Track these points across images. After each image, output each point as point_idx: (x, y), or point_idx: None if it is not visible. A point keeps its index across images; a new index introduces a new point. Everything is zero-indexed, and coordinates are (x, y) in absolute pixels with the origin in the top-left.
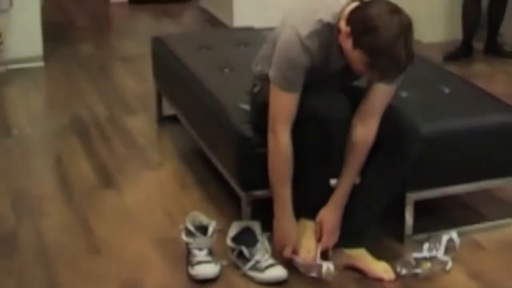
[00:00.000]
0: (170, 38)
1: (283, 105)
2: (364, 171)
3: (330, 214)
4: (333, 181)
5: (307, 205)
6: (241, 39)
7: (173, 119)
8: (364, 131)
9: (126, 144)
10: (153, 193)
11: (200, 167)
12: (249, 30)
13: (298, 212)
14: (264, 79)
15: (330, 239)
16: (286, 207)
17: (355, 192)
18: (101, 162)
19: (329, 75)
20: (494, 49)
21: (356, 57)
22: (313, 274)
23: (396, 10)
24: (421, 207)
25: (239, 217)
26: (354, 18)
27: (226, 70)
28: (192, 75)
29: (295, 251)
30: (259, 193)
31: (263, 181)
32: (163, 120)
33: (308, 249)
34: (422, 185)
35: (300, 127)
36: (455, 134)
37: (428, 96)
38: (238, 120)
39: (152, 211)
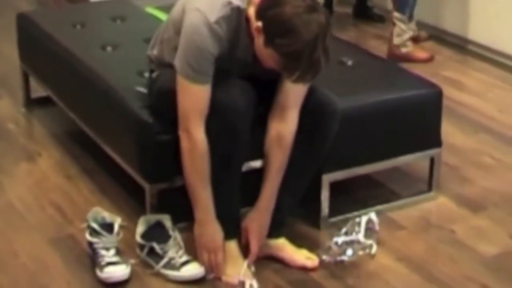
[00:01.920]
0: (38, 15)
1: (194, 99)
2: None
3: (255, 219)
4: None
5: (223, 221)
6: (116, 14)
7: (42, 101)
8: (284, 126)
9: None
10: (36, 186)
11: (84, 155)
12: (122, 3)
13: None
14: (162, 65)
15: (256, 246)
16: (209, 210)
17: None
18: None
19: (234, 65)
20: (363, 13)
21: (268, 55)
22: None
23: (313, 7)
24: (332, 189)
25: (139, 209)
26: (267, 14)
27: (109, 49)
28: (72, 54)
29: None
30: (164, 184)
31: (168, 170)
32: (31, 102)
33: (228, 276)
34: (336, 166)
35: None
36: (365, 110)
37: (331, 70)
38: (136, 105)
39: (40, 207)
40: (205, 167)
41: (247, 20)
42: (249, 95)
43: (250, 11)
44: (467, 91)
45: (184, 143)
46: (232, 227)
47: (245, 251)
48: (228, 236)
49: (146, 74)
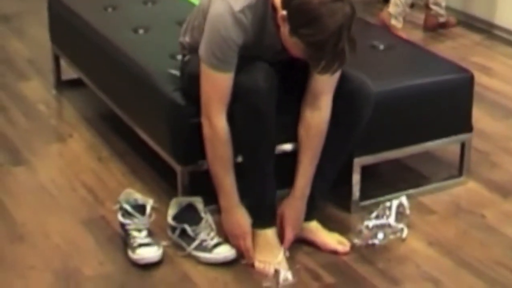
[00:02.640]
0: None
1: (216, 87)
2: None
3: (291, 207)
4: None
5: (254, 212)
6: None
7: (73, 83)
8: (318, 114)
9: (26, 114)
10: (67, 168)
11: (115, 137)
12: None
13: None
14: (194, 51)
15: (292, 233)
16: (232, 196)
17: None
18: (2, 136)
19: (264, 53)
20: None
21: (293, 44)
22: (268, 284)
23: None
24: (363, 173)
25: (171, 191)
26: (292, 3)
27: (141, 31)
28: (103, 37)
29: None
30: (196, 166)
31: (200, 153)
32: (62, 85)
33: (263, 263)
34: (368, 150)
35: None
36: (396, 95)
37: (363, 54)
38: (168, 88)
39: (72, 189)
40: (227, 154)
41: (274, 8)
42: (272, 77)
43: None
44: (496, 76)
45: (206, 130)
46: (268, 215)
47: (281, 238)
48: (264, 224)
49: (179, 57)
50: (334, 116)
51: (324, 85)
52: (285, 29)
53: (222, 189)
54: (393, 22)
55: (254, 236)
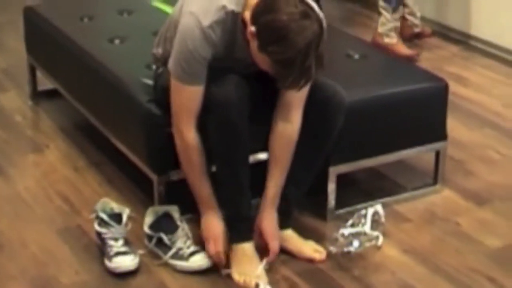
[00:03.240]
0: (45, 8)
1: (185, 99)
2: None
3: (267, 219)
4: None
5: (231, 227)
6: (123, 7)
7: (49, 94)
8: (289, 126)
9: (2, 125)
10: (44, 178)
11: (91, 147)
12: None
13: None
14: (167, 63)
15: (276, 245)
16: (210, 203)
17: None
18: None
19: (235, 65)
20: None
21: (262, 59)
22: None
23: (306, 14)
24: (339, 181)
25: (147, 201)
26: (261, 20)
27: (117, 41)
28: (79, 47)
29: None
30: (172, 174)
31: (176, 162)
32: (38, 95)
33: (243, 275)
34: (343, 159)
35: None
36: (371, 104)
37: (338, 63)
38: (144, 97)
39: (48, 198)
40: (199, 163)
41: (243, 22)
42: (243, 89)
43: (246, 14)
44: (472, 86)
45: (177, 141)
46: (244, 228)
47: (262, 252)
48: (241, 238)
49: (154, 67)
50: (307, 125)
51: (295, 99)
52: (254, 45)
53: (198, 195)
54: (387, 40)
55: (232, 251)
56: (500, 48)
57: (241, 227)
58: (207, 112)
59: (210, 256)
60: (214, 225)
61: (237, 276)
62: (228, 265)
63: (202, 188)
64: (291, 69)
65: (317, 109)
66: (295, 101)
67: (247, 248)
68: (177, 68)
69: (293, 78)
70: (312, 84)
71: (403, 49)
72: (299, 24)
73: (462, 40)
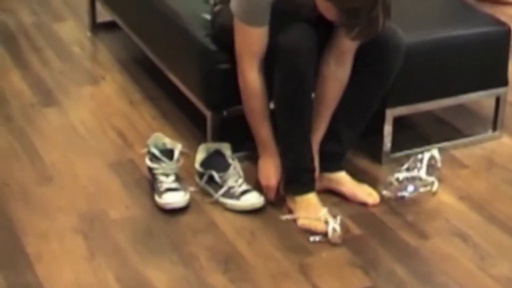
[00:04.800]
0: None
1: (248, 41)
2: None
3: None
4: None
5: (295, 179)
6: None
7: (108, 26)
8: (341, 70)
9: (60, 55)
10: (98, 110)
11: (147, 81)
12: None
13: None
14: (225, 0)
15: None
16: (268, 146)
17: (335, 112)
18: (36, 76)
19: (298, 8)
20: None
21: (327, 7)
22: (316, 238)
23: None
24: (395, 124)
25: (201, 137)
26: None
27: None
28: None
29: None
30: (226, 112)
31: (230, 99)
32: (97, 27)
33: (307, 219)
34: (400, 101)
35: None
36: (431, 46)
37: (398, 3)
38: (200, 32)
39: (101, 131)
40: (259, 106)
41: None
42: (312, 37)
43: None
44: None
45: (240, 82)
46: (308, 179)
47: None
48: (305, 189)
49: (211, 1)
50: (365, 66)
51: (351, 44)
52: None
53: (257, 138)
54: None
55: (296, 202)
56: None
57: (304, 178)
58: (275, 61)
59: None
60: (270, 173)
61: (305, 222)
62: (284, 210)
63: (262, 131)
64: (358, 18)
65: (375, 51)
66: (351, 46)
67: (311, 197)
68: (239, 9)
69: (360, 28)
70: None
71: None
72: None
73: None
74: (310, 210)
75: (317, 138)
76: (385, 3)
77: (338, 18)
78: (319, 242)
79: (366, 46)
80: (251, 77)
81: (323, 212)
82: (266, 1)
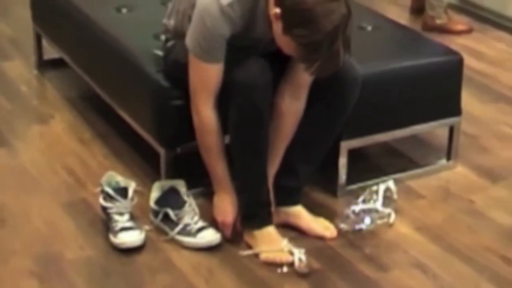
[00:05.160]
0: None
1: (204, 77)
2: (300, 122)
3: None
4: None
5: (253, 214)
6: None
7: (55, 63)
8: (295, 104)
9: (8, 95)
10: (49, 149)
11: (97, 118)
12: None
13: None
14: (179, 35)
15: None
16: (223, 183)
17: (291, 146)
18: None
19: (256, 43)
20: None
21: (286, 42)
22: (284, 269)
23: None
24: (350, 156)
25: (154, 174)
26: (287, 2)
27: (124, 10)
28: (87, 16)
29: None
30: (180, 149)
31: (184, 135)
32: (44, 64)
33: (271, 252)
34: (354, 133)
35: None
36: (385, 77)
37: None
38: (153, 69)
39: (53, 171)
40: (214, 143)
41: (267, 2)
42: (268, 72)
43: None
44: (485, 60)
45: (195, 119)
46: (266, 213)
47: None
48: (264, 223)
49: (162, 37)
50: (322, 100)
51: (307, 78)
52: (277, 27)
53: (212, 175)
54: (438, 22)
55: (254, 237)
56: (511, 20)
57: (262, 212)
58: (230, 97)
59: (226, 236)
60: (227, 209)
61: (270, 255)
62: (243, 246)
63: (217, 168)
64: (318, 53)
65: (332, 84)
66: (307, 79)
67: (271, 230)
68: (196, 46)
69: (320, 63)
70: None
71: (458, 26)
72: (327, 6)
73: (475, 12)
74: (272, 243)
75: (272, 171)
76: (345, 36)
77: (298, 53)
78: (286, 273)
79: (323, 80)
80: (206, 114)
81: (285, 243)
82: (222, 37)
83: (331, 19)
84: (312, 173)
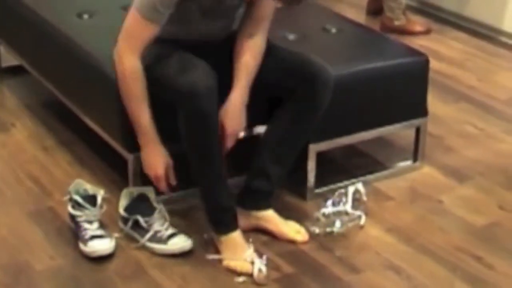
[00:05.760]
0: None
1: (139, 33)
2: (272, 124)
3: (228, 110)
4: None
5: (217, 219)
6: None
7: (13, 70)
8: (257, 38)
9: None
10: (11, 158)
11: (59, 125)
12: None
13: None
14: None
15: (231, 128)
16: (150, 133)
17: (262, 148)
18: None
19: (205, 9)
20: None
21: None
22: (242, 279)
23: None
24: (318, 159)
25: (120, 181)
26: None
27: (85, 16)
28: (48, 22)
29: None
30: None
31: None
32: (2, 72)
33: (234, 260)
34: (322, 136)
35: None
36: (350, 79)
37: (315, 37)
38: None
39: (16, 180)
40: (138, 89)
41: None
42: (210, 76)
43: None
44: (445, 60)
45: (118, 68)
46: (230, 219)
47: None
48: (227, 229)
49: None
50: (293, 101)
51: (267, 10)
52: None
53: (138, 126)
54: (397, 23)
55: (221, 242)
56: (471, 20)
57: (225, 218)
58: (177, 106)
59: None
60: (156, 159)
61: (231, 263)
62: (213, 251)
63: (142, 117)
64: None
65: (304, 86)
66: (265, 15)
67: (236, 236)
68: (142, 2)
69: None
70: (299, 61)
71: (416, 27)
72: None
73: (433, 13)
74: (237, 251)
75: (237, 93)
76: None
77: None
78: (245, 282)
79: (295, 82)
80: (131, 62)
81: (249, 252)
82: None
83: None
84: (284, 177)
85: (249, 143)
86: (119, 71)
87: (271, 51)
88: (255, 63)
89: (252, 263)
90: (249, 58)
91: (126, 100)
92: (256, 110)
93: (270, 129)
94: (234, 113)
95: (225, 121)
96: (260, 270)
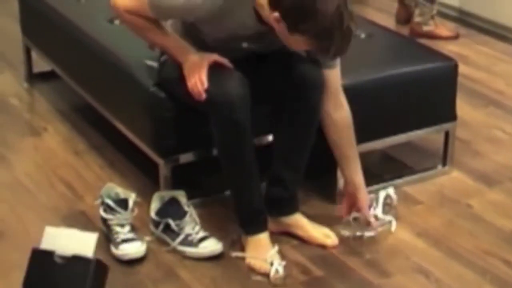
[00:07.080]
0: None
1: (143, 12)
2: (275, 131)
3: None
4: None
5: (247, 220)
6: None
7: (45, 76)
8: (342, 112)
9: None
10: (44, 162)
11: (90, 129)
12: None
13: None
14: None
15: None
16: (185, 48)
17: (274, 156)
18: None
19: (229, 34)
20: None
21: (296, 40)
22: (258, 278)
23: None
24: None
25: (151, 185)
26: (283, 4)
27: (117, 22)
28: (78, 28)
29: None
30: (179, 159)
31: (183, 145)
32: (34, 77)
33: (254, 258)
34: None
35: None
36: (379, 84)
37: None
38: (148, 80)
39: (49, 184)
40: (143, 21)
41: (256, 10)
42: (244, 86)
43: (261, 1)
44: (473, 65)
45: (115, 11)
46: (260, 221)
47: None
48: (257, 230)
49: (157, 49)
50: (289, 108)
51: (336, 82)
52: (282, 29)
53: (170, 48)
54: (425, 28)
55: (246, 242)
56: (498, 25)
57: (256, 220)
58: (211, 114)
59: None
60: (196, 59)
61: (252, 262)
62: (239, 249)
63: (168, 39)
64: (331, 37)
65: (294, 91)
66: (338, 84)
67: (263, 237)
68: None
69: (336, 45)
70: (289, 64)
71: (444, 32)
72: None
73: (461, 18)
74: (260, 251)
75: (356, 180)
76: (349, 11)
77: (312, 45)
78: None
79: (287, 86)
80: (129, 16)
81: (271, 253)
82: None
83: (331, 1)
84: (300, 180)
85: (262, 152)
86: (118, 15)
87: (272, 58)
88: (351, 138)
89: (272, 264)
90: (345, 139)
91: (141, 34)
92: (265, 118)
93: (275, 136)
94: (362, 190)
95: (359, 197)
96: (277, 271)
